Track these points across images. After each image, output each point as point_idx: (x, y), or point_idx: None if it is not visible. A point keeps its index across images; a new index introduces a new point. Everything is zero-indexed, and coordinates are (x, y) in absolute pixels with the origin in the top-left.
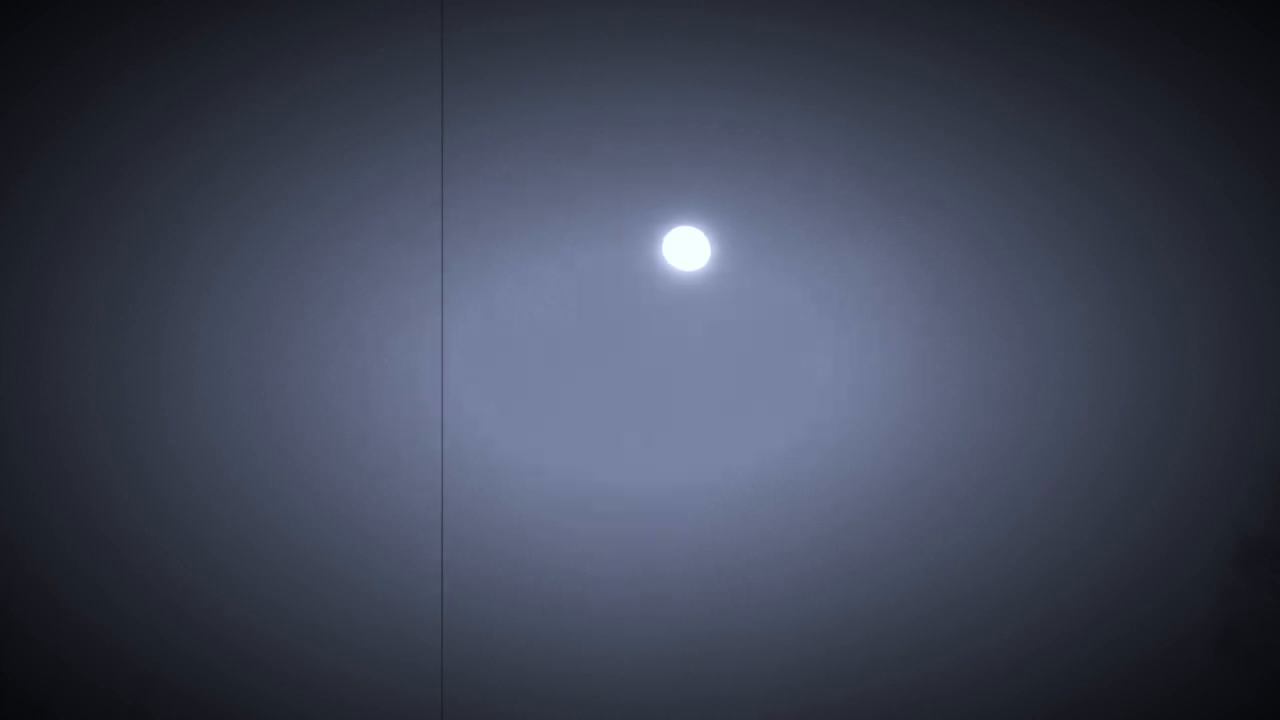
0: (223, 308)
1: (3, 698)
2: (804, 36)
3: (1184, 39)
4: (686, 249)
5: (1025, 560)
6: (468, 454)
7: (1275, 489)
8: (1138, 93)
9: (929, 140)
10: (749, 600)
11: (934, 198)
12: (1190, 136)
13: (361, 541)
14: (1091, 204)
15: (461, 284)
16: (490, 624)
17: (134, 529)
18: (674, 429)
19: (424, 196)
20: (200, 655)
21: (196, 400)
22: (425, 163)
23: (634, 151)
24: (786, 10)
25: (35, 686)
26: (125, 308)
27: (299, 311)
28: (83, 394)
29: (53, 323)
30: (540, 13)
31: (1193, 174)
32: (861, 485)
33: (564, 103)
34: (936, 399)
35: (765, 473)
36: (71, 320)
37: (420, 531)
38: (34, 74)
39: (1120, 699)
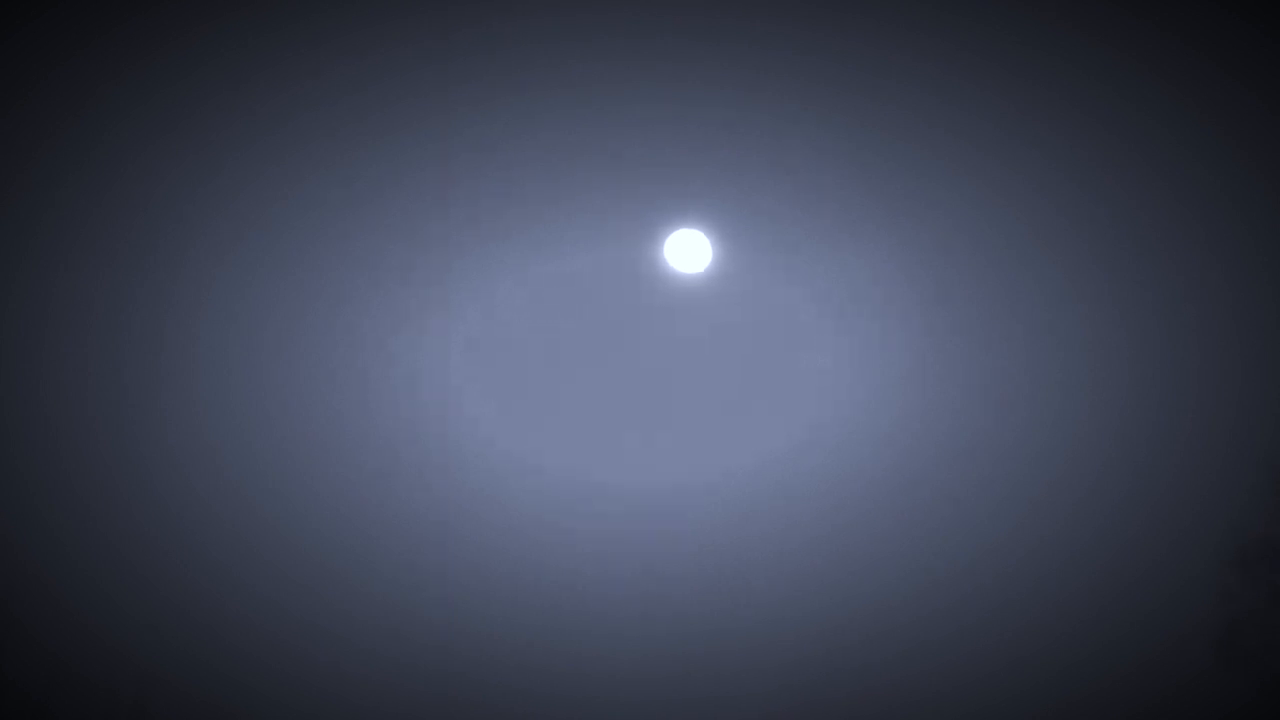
0: (223, 308)
1: (3, 698)
2: (804, 37)
3: (1184, 39)
4: (686, 249)
5: (1025, 560)
6: (468, 454)
7: (1275, 489)
8: (1138, 93)
9: (929, 140)
10: (749, 600)
11: (934, 198)
12: (1190, 136)
13: (361, 541)
14: (1091, 204)
15: (462, 284)
16: (490, 624)
17: (134, 529)
18: (674, 429)
19: (425, 197)
20: (200, 655)
21: (196, 400)
22: (426, 163)
23: (634, 152)
24: (786, 11)
25: (35, 686)
26: (125, 308)
27: (299, 311)
28: (83, 394)
29: (53, 323)
30: (540, 13)
31: (1193, 174)
32: (861, 485)
33: (564, 103)
34: (936, 399)
35: (765, 473)
36: (71, 320)
37: (420, 531)
38: (34, 74)
39: (1120, 699)
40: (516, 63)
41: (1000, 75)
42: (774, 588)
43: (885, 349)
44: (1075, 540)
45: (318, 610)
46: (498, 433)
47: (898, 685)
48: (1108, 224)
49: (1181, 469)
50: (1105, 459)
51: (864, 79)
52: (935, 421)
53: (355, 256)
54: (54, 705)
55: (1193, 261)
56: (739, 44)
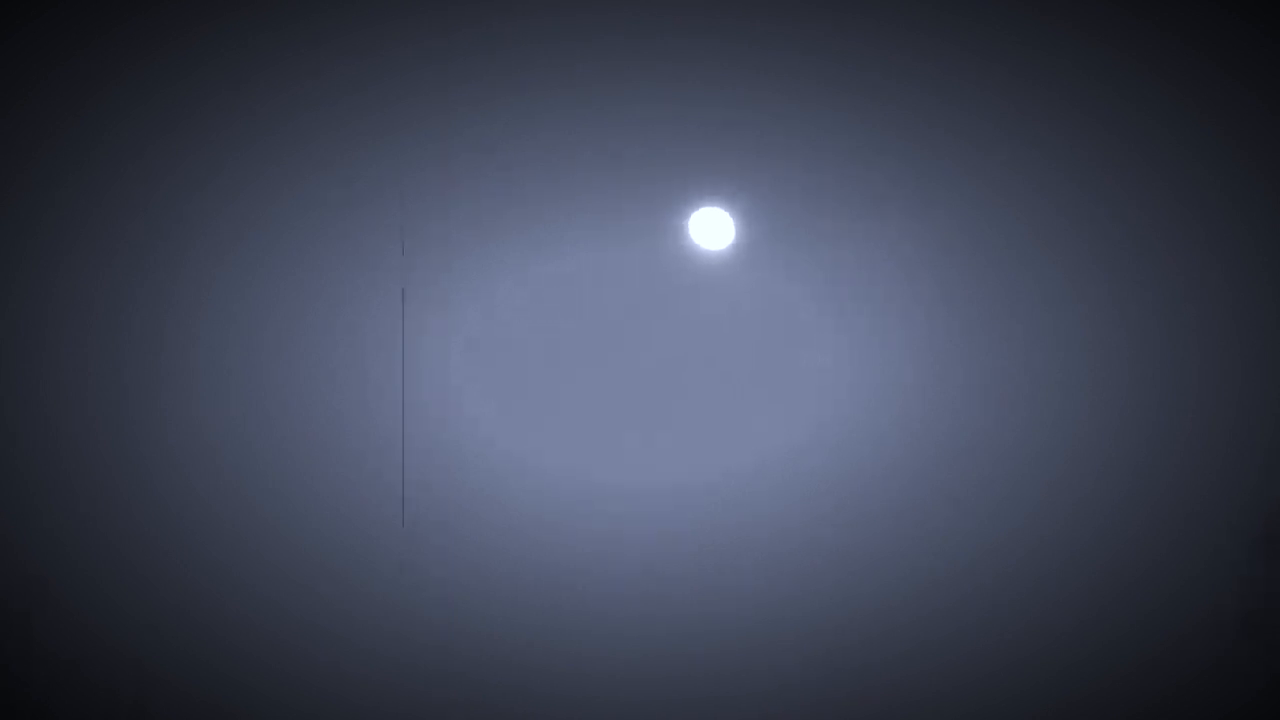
0: (223, 308)
1: (3, 698)
2: (803, 36)
3: (1184, 39)
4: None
5: (1025, 560)
6: (468, 454)
7: (1276, 491)
8: (1138, 93)
9: (929, 140)
10: (750, 600)
11: (934, 198)
12: (1190, 136)
13: (361, 541)
14: (1091, 204)
15: (462, 284)
16: (490, 624)
17: (134, 529)
18: (674, 429)
19: (425, 197)
20: (200, 655)
21: (196, 400)
22: (426, 163)
23: (635, 152)
24: (787, 10)
25: (35, 686)
26: (125, 308)
27: (299, 311)
28: (83, 394)
29: (53, 323)
30: (540, 13)
31: (1193, 174)
32: (861, 485)
33: (564, 103)
34: (936, 399)
35: (766, 473)
36: (71, 320)
37: (420, 531)
38: (34, 74)
39: (1120, 699)
40: (516, 63)
41: (1000, 75)
42: (774, 588)
43: (885, 348)
44: (1075, 540)
45: (318, 610)
46: (498, 433)
47: (898, 685)
48: (1108, 224)
49: (1181, 469)
50: (1105, 459)
51: (866, 78)
52: (935, 421)
53: (355, 256)
54: (54, 705)
55: (1193, 261)
56: (739, 44)
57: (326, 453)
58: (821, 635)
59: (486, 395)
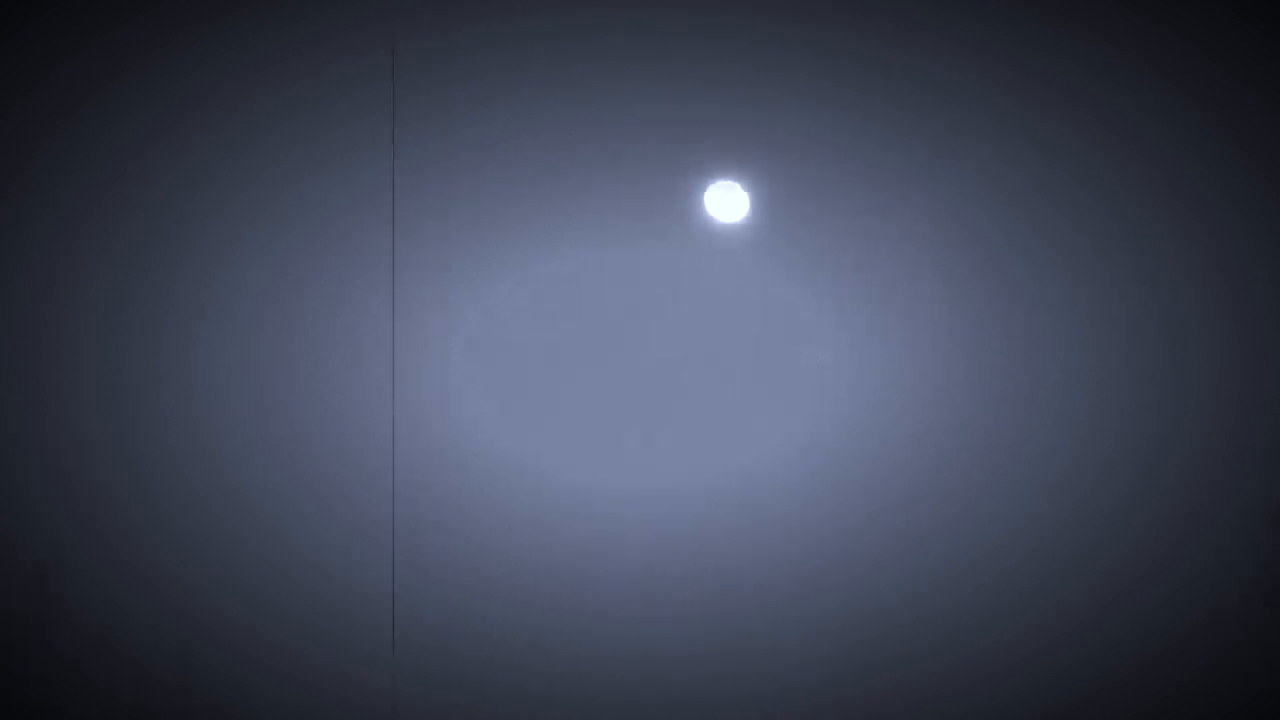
0: (223, 308)
1: (3, 698)
2: (803, 36)
3: (1184, 39)
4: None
5: (1025, 560)
6: (468, 454)
7: (1276, 491)
8: (1138, 92)
9: (929, 139)
10: (750, 600)
11: (935, 197)
12: (1190, 136)
13: (361, 542)
14: (1092, 203)
15: (461, 284)
16: (490, 624)
17: (134, 529)
18: (674, 429)
19: (424, 196)
20: (200, 655)
21: (196, 400)
22: (426, 163)
23: (634, 151)
24: (786, 10)
25: (36, 686)
26: (125, 308)
27: (299, 311)
28: (83, 394)
29: (53, 323)
30: (540, 13)
31: (1193, 174)
32: (862, 485)
33: (564, 103)
34: (937, 398)
35: (766, 473)
36: (71, 320)
37: (420, 532)
38: (34, 74)
39: (1120, 699)
40: (516, 63)
41: (1000, 75)
42: (774, 588)
43: (886, 349)
44: (1075, 540)
45: (318, 610)
46: (497, 433)
47: (898, 685)
48: (1108, 223)
49: (1181, 469)
50: (1105, 459)
51: (866, 77)
52: (935, 421)
53: (355, 256)
54: (55, 705)
55: (1193, 261)
56: (739, 43)
57: (326, 453)
58: (822, 635)
59: (486, 395)
